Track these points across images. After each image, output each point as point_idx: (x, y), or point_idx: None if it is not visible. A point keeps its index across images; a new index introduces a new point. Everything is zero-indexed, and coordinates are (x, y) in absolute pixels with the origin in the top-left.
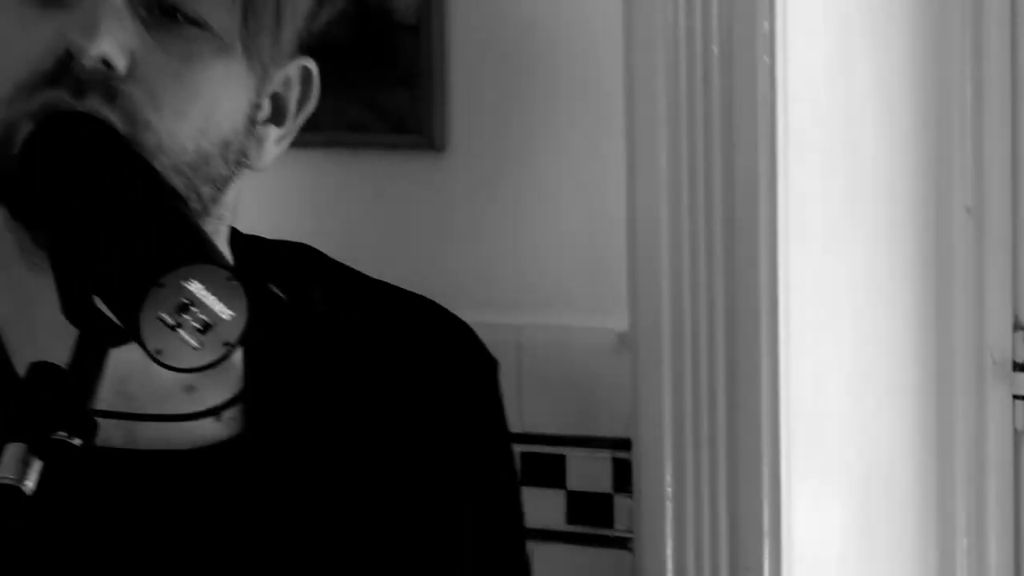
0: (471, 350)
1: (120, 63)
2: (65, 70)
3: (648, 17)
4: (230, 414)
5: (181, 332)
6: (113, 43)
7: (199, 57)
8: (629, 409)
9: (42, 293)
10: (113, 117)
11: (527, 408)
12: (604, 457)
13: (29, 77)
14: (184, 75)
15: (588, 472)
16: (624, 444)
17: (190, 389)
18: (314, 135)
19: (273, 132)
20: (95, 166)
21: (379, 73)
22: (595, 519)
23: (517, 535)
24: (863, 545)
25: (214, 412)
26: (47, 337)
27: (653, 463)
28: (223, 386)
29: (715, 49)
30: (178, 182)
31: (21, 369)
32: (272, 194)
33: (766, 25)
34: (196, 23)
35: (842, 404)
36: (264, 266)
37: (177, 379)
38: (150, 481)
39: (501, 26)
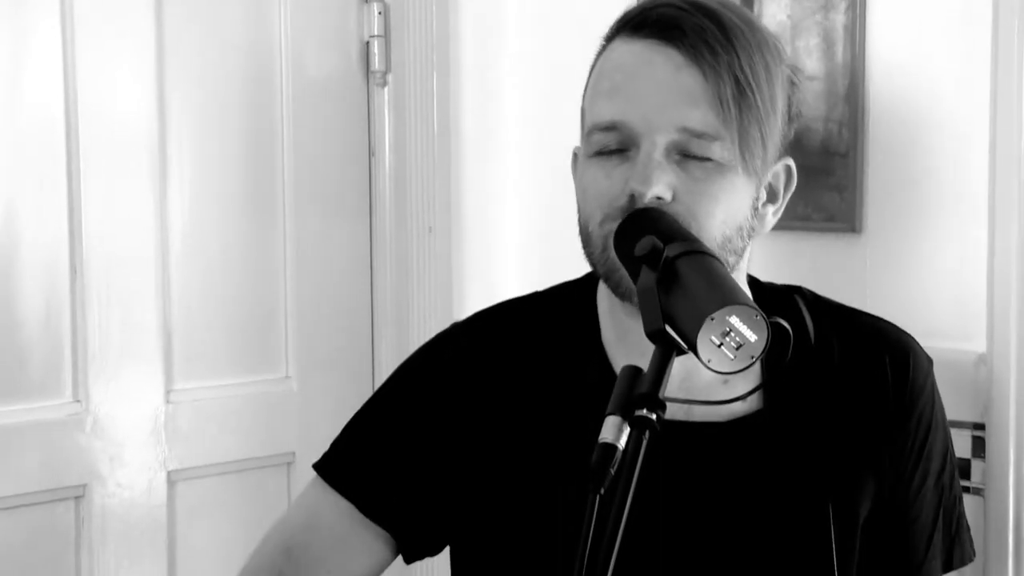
0: (917, 351)
1: (668, 195)
2: (634, 203)
3: (1008, 130)
4: (753, 397)
5: (723, 349)
6: (661, 185)
7: (713, 178)
8: (984, 402)
9: (633, 325)
10: None
11: None
12: (966, 434)
13: (614, 209)
14: (706, 191)
15: (955, 444)
16: (980, 426)
17: (726, 382)
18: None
19: (771, 208)
20: (660, 236)
21: (820, 184)
22: (960, 476)
23: (956, 478)
24: None
25: (743, 397)
26: (634, 353)
27: (1000, 439)
28: (748, 379)
29: None
30: None
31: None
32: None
33: None
34: (708, 159)
35: None
36: (774, 302)
37: (718, 376)
38: (701, 444)
39: (904, 156)
